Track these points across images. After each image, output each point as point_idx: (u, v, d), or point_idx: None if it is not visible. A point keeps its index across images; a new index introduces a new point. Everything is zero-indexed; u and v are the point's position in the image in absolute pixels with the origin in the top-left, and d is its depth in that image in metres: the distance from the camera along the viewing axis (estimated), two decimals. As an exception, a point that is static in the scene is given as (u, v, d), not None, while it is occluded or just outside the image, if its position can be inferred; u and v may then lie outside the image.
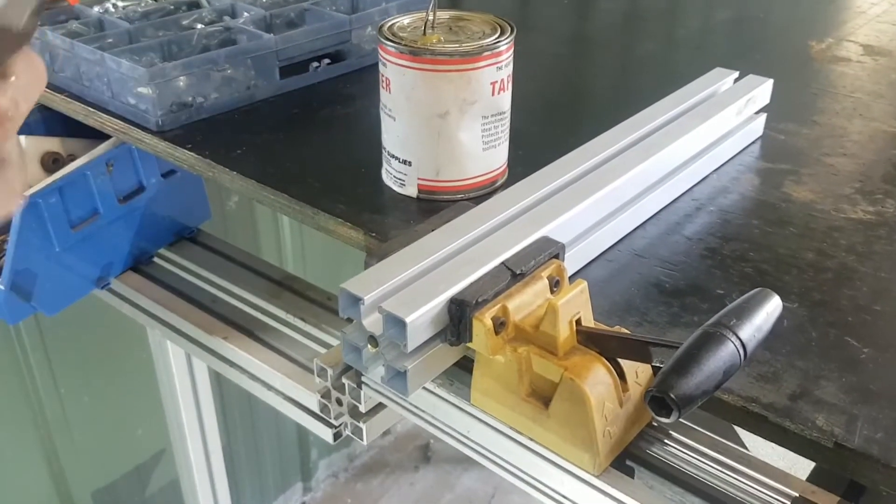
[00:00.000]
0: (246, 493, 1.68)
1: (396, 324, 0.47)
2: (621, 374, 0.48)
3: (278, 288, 0.89)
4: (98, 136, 0.88)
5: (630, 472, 0.49)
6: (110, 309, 0.92)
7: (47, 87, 0.88)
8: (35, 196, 0.80)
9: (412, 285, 0.49)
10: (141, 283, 0.91)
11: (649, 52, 1.07)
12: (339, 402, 0.64)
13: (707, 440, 0.50)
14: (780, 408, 0.47)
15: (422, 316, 0.47)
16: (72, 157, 0.91)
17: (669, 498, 0.48)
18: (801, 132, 0.81)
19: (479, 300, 0.48)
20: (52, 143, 0.92)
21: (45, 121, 0.94)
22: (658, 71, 1.00)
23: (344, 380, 0.62)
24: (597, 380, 0.46)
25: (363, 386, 0.61)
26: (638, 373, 0.49)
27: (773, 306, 0.43)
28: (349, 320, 0.50)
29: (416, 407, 0.57)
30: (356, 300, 0.48)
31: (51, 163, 0.91)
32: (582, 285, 0.49)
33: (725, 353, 0.40)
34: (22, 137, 0.91)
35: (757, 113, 0.79)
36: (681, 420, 0.49)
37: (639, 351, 0.45)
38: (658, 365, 0.44)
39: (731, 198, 0.69)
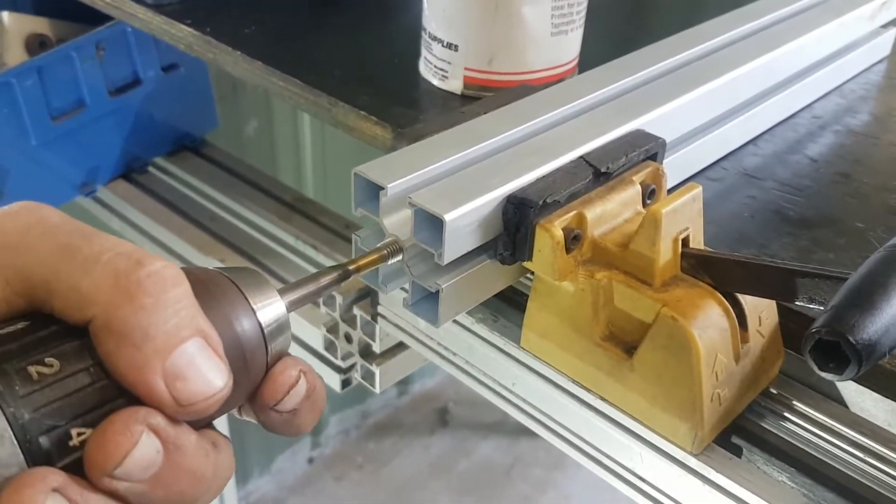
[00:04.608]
0: (251, 445, 1.58)
1: (430, 224, 0.33)
2: (741, 318, 0.34)
3: (289, 210, 0.76)
4: (96, 21, 0.75)
5: (737, 452, 0.36)
6: (95, 221, 0.80)
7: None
8: (8, 75, 0.67)
9: (454, 175, 0.36)
10: (131, 193, 0.78)
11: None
12: (349, 339, 0.51)
13: (847, 417, 0.36)
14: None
15: (465, 216, 0.33)
16: (61, 42, 0.78)
17: (791, 488, 0.35)
18: (938, 56, 0.66)
19: (548, 201, 0.34)
20: (40, 24, 0.79)
21: (33, -2, 0.81)
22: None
23: (355, 310, 0.49)
24: (708, 321, 0.33)
25: (379, 319, 0.48)
26: (762, 318, 0.35)
27: None
28: (365, 221, 0.37)
29: (445, 348, 0.44)
30: (376, 190, 0.34)
31: (37, 46, 0.79)
32: (695, 191, 0.35)
33: (930, 287, 0.26)
34: (5, 14, 0.78)
35: (885, 26, 0.64)
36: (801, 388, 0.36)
37: (777, 283, 0.31)
38: (807, 306, 0.31)
39: (861, 118, 0.54)
